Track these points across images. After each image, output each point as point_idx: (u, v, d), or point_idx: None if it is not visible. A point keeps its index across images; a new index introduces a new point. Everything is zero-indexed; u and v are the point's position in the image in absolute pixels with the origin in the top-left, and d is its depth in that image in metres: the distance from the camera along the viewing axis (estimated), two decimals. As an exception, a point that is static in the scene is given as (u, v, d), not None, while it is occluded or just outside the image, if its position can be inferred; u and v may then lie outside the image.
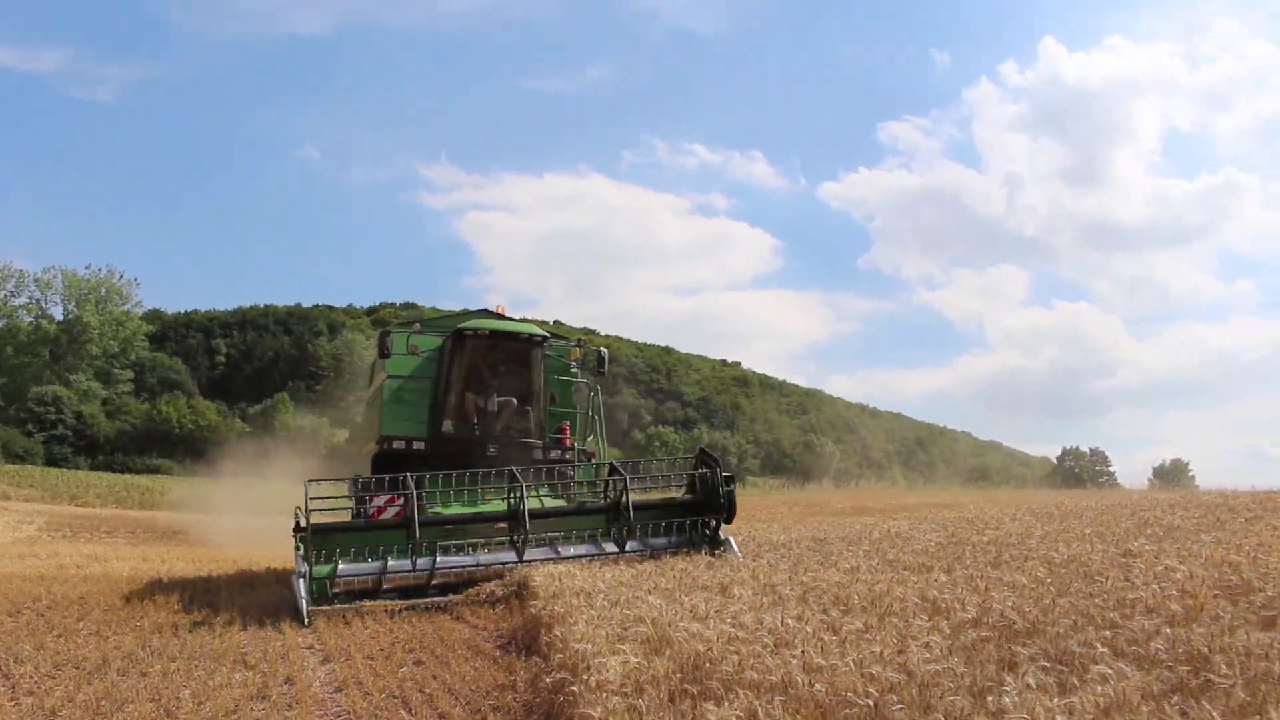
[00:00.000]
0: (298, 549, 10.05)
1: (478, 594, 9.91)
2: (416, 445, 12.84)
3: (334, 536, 10.30)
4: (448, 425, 12.90)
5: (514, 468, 11.20)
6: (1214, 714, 3.62)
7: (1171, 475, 64.80)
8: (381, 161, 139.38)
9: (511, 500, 10.92)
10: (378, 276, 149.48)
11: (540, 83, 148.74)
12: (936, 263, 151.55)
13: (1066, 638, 4.86)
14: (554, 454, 13.50)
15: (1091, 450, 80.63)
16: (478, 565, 10.42)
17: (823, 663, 4.83)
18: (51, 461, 54.91)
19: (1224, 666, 4.08)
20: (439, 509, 11.22)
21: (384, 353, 12.88)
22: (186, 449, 60.41)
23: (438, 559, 10.34)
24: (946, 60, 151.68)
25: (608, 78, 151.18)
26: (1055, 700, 3.91)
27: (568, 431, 13.86)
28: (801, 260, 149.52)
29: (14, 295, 66.20)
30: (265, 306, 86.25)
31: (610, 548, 10.85)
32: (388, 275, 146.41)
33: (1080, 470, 76.14)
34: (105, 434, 60.78)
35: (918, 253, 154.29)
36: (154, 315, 76.64)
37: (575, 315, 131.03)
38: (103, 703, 6.08)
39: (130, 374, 66.76)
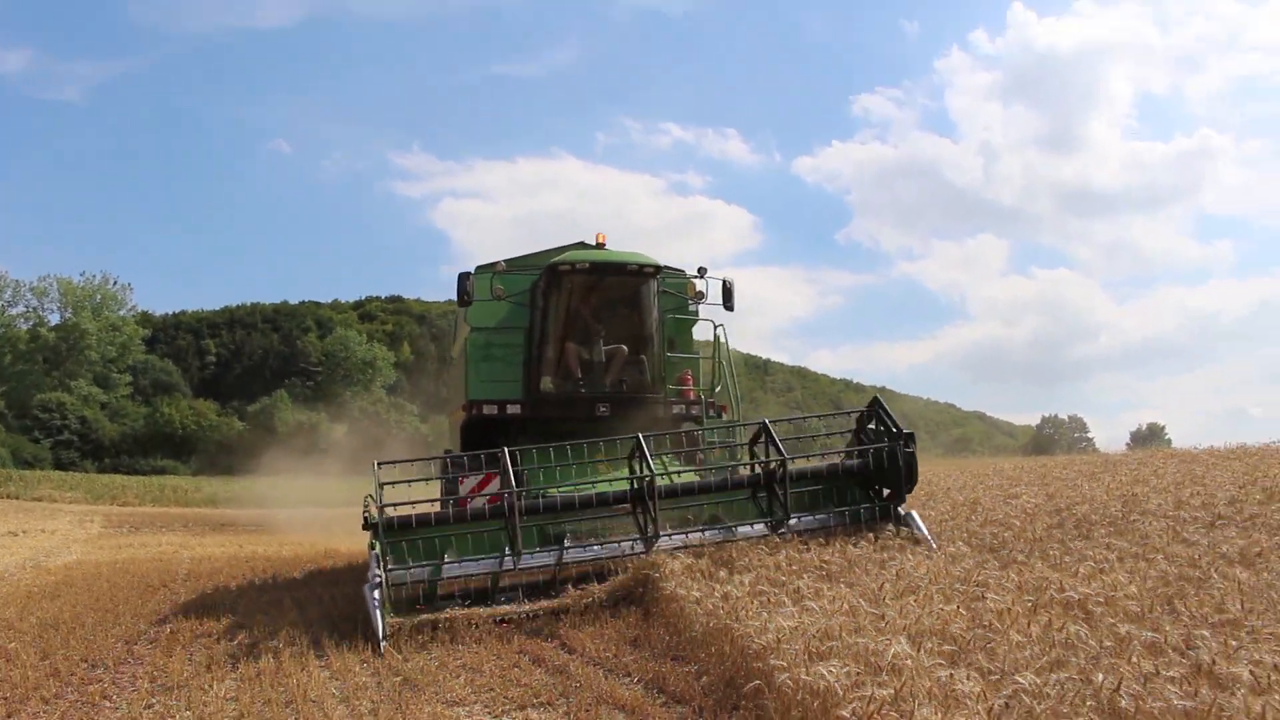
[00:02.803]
0: (373, 549, 8.21)
1: (582, 599, 8.04)
2: (511, 409, 11.02)
3: (419, 530, 8.45)
4: (547, 383, 11.06)
5: (640, 434, 8.83)
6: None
7: (1148, 438, 66.16)
8: (354, 152, 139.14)
9: (639, 472, 8.68)
10: (361, 270, 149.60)
11: (509, 67, 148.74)
12: (915, 234, 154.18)
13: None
14: (678, 410, 11.53)
15: (1070, 417, 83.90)
16: (609, 553, 8.58)
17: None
18: (59, 466, 56.37)
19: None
20: (545, 489, 9.13)
21: (464, 299, 10.81)
22: (189, 449, 62.35)
23: (564, 551, 8.57)
24: (916, 30, 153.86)
25: (576, 60, 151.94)
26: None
27: (690, 381, 11.82)
28: (781, 236, 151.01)
29: (11, 305, 67.43)
30: (252, 305, 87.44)
31: (758, 528, 8.83)
32: (370, 268, 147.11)
33: (1059, 437, 78.97)
34: (110, 438, 62.35)
35: (896, 225, 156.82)
36: (144, 318, 77.80)
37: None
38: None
39: (128, 377, 68.12)
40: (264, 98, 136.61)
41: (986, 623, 4.78)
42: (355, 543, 17.35)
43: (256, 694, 6.05)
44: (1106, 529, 8.32)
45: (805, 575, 6.84)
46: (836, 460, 9.37)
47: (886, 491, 9.12)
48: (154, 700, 6.06)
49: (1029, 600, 5.28)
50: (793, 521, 8.77)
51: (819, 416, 10.58)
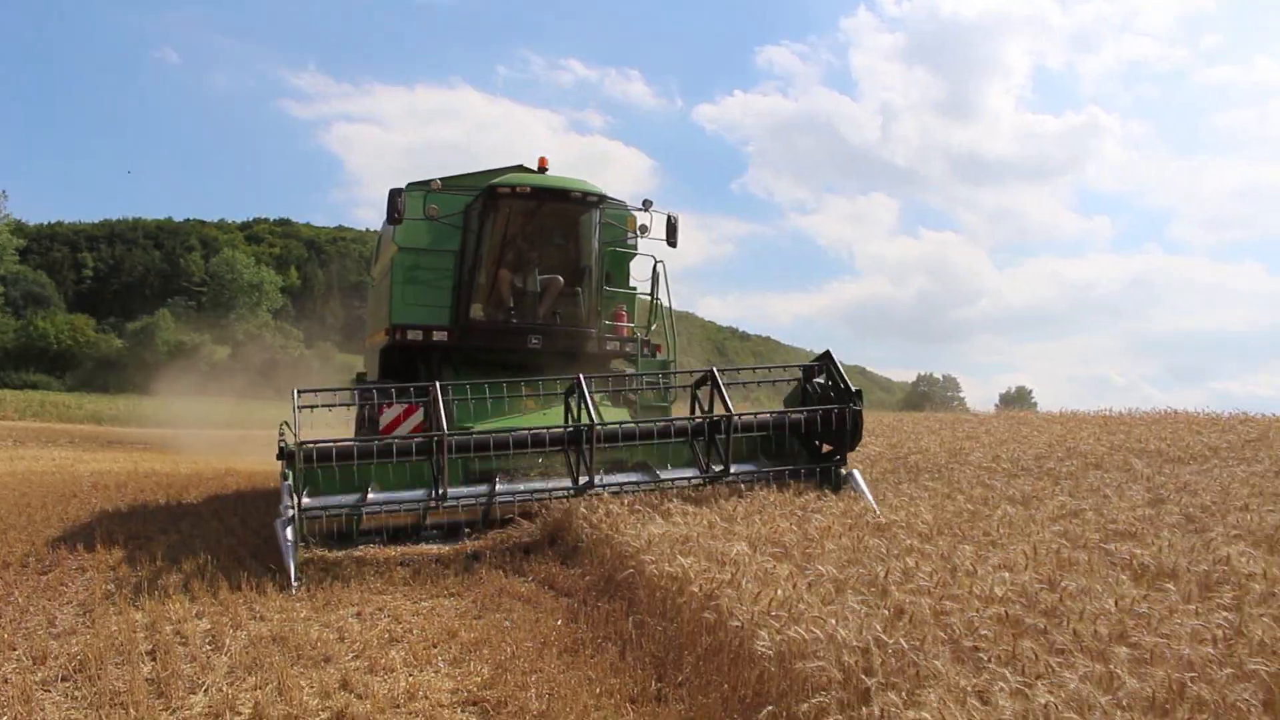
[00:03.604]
0: (284, 479, 7.73)
1: (507, 539, 8.02)
2: (438, 336, 10.50)
3: (338, 462, 7.82)
4: (477, 310, 10.62)
5: (581, 375, 8.59)
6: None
7: (1016, 400, 70.40)
8: (245, 68, 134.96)
9: (579, 415, 8.48)
10: (249, 190, 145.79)
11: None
12: (809, 188, 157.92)
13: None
14: (611, 347, 11.15)
15: (944, 376, 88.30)
16: (539, 495, 8.34)
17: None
18: (-78, 377, 54.40)
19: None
20: (471, 424, 8.95)
21: (394, 217, 10.13)
22: (64, 366, 60.58)
23: (495, 489, 8.34)
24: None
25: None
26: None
27: (624, 318, 11.46)
28: (677, 181, 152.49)
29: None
30: (134, 220, 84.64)
31: (689, 474, 8.58)
32: (258, 190, 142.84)
33: (933, 394, 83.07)
34: (-24, 350, 60.12)
35: (791, 178, 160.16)
36: (17, 227, 74.46)
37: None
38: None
39: (0, 288, 65.53)
40: (152, 3, 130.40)
41: (811, 536, 6.16)
42: (255, 464, 18.10)
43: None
44: (930, 475, 9.90)
45: (674, 499, 7.91)
46: (781, 413, 8.97)
47: (827, 448, 8.96)
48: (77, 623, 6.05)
49: (848, 522, 6.68)
50: (734, 472, 8.54)
51: (767, 368, 10.29)
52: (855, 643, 3.72)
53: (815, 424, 8.81)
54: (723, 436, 8.51)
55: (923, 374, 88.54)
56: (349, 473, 8.02)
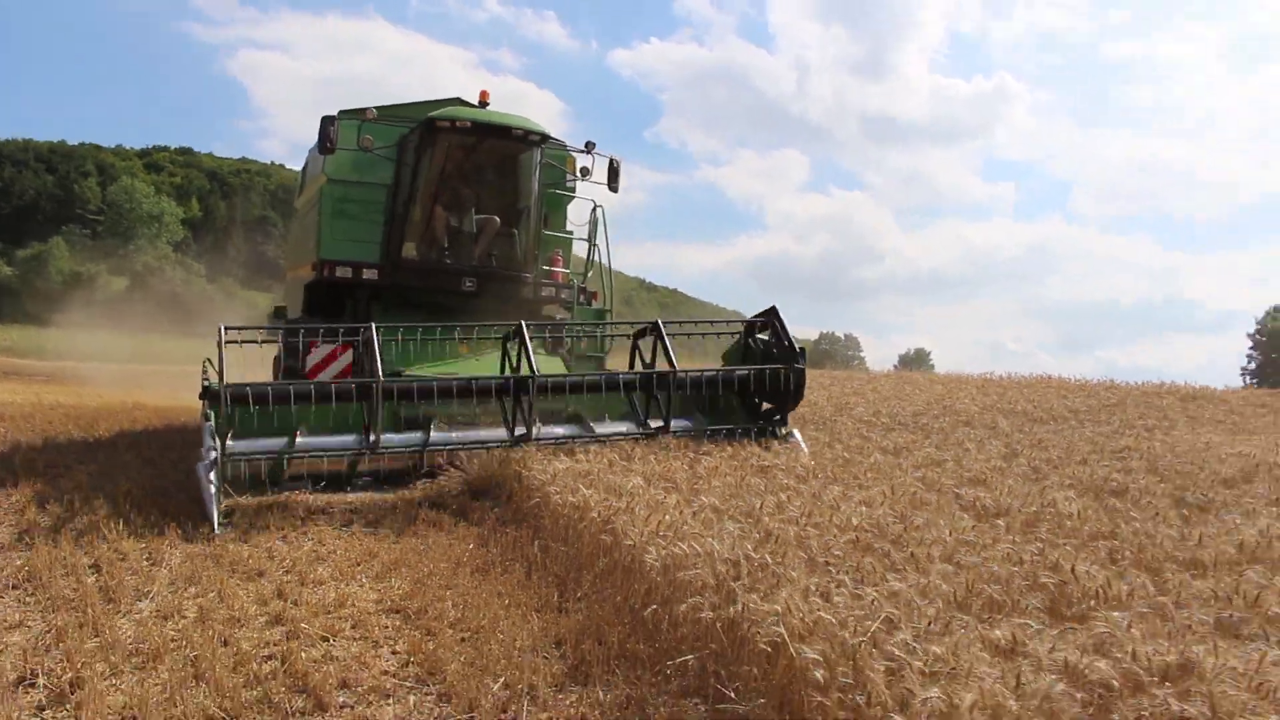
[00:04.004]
0: (206, 420, 7.44)
1: (438, 489, 7.86)
2: (368, 274, 10.16)
3: (262, 403, 7.46)
4: (410, 249, 10.30)
5: (524, 323, 8.35)
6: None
7: (915, 362, 72.56)
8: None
9: (518, 365, 8.28)
10: (148, 116, 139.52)
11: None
12: (722, 141, 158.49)
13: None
14: (547, 293, 10.95)
15: (846, 335, 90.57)
16: (475, 445, 8.15)
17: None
18: None
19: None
20: (402, 368, 8.88)
21: (326, 146, 9.64)
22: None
23: (431, 436, 8.19)
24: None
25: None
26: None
27: (560, 263, 11.29)
28: (589, 127, 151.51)
29: None
30: (24, 141, 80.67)
31: (626, 429, 8.56)
32: (158, 116, 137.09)
33: (834, 352, 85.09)
34: None
35: (704, 129, 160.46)
36: (-106, 143, 70.70)
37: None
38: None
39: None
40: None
41: (699, 474, 6.90)
42: (163, 398, 18.09)
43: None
44: (815, 426, 10.76)
45: (578, 440, 8.27)
46: (728, 371, 8.97)
47: (767, 406, 8.94)
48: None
49: (735, 464, 7.44)
50: (674, 427, 8.51)
51: (710, 322, 10.13)
52: (728, 556, 4.43)
53: (758, 381, 8.79)
54: (663, 392, 8.47)
55: (825, 332, 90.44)
56: (273, 415, 7.67)
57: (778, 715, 3.42)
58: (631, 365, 9.07)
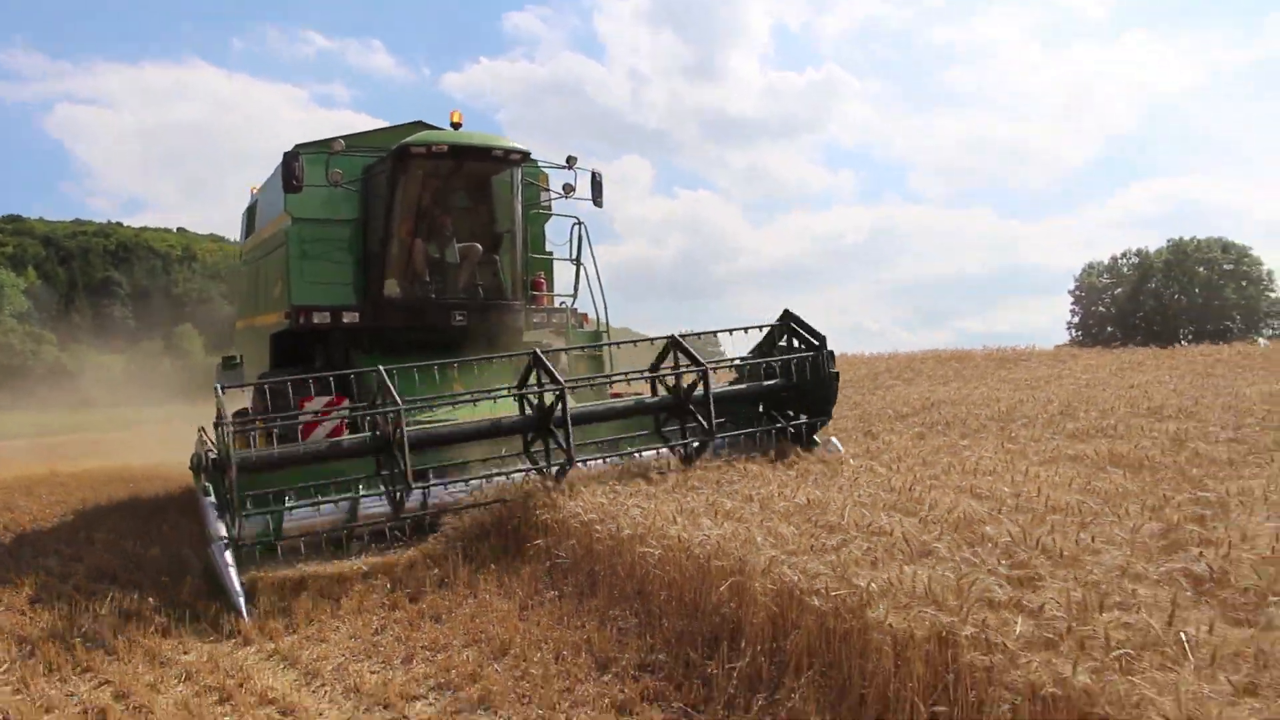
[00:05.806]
0: (206, 494, 6.70)
1: (440, 541, 6.86)
2: (348, 318, 9.31)
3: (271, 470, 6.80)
4: (392, 286, 9.44)
5: (538, 349, 7.64)
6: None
7: None
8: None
9: (537, 398, 7.45)
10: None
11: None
12: (562, 154, 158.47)
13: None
14: (538, 320, 10.28)
15: (703, 334, 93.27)
16: (509, 476, 7.36)
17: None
18: None
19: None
20: (415, 416, 7.59)
21: (292, 184, 8.81)
22: None
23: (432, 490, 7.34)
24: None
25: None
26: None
27: (544, 287, 10.60)
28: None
29: None
30: None
31: (668, 453, 7.92)
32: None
33: (701, 349, 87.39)
34: None
35: (543, 144, 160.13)
36: None
37: (200, 221, 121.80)
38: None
39: None
40: None
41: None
42: (81, 466, 16.78)
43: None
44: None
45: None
46: (767, 387, 8.50)
47: (801, 417, 8.35)
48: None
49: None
50: (717, 442, 7.93)
51: (728, 331, 8.91)
52: (684, 536, 5.23)
53: (795, 389, 8.37)
54: (700, 394, 7.87)
55: (683, 333, 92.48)
56: (263, 482, 6.90)
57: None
58: (654, 387, 8.38)
